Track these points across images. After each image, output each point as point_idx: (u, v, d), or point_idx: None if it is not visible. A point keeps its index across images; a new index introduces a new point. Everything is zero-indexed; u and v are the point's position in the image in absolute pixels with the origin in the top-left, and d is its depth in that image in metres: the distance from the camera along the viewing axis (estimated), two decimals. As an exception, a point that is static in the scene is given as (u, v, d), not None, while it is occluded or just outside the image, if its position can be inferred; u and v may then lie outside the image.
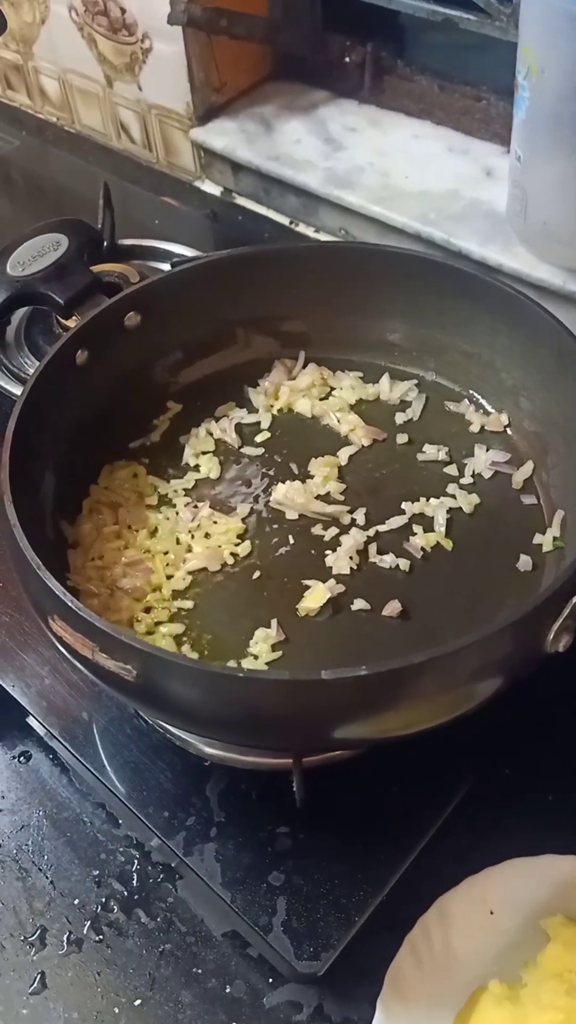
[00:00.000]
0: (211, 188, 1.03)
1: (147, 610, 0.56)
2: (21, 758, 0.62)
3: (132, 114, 1.06)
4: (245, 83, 1.01)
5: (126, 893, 0.56)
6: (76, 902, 0.56)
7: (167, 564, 0.57)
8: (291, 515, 0.60)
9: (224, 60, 0.97)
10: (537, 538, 0.58)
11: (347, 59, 0.97)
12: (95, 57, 1.04)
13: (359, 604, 0.56)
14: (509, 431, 0.63)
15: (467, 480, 0.61)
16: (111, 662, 0.43)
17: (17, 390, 0.78)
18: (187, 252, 0.87)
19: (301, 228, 0.96)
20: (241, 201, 1.00)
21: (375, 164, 0.92)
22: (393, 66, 0.96)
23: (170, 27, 0.91)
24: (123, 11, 0.97)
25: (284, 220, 0.97)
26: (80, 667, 0.48)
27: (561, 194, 0.73)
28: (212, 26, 0.92)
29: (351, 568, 0.57)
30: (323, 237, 0.94)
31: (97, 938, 0.55)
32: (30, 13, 1.08)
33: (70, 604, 0.44)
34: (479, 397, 0.66)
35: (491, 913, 0.53)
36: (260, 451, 0.64)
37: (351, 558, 0.57)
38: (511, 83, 0.78)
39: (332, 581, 0.56)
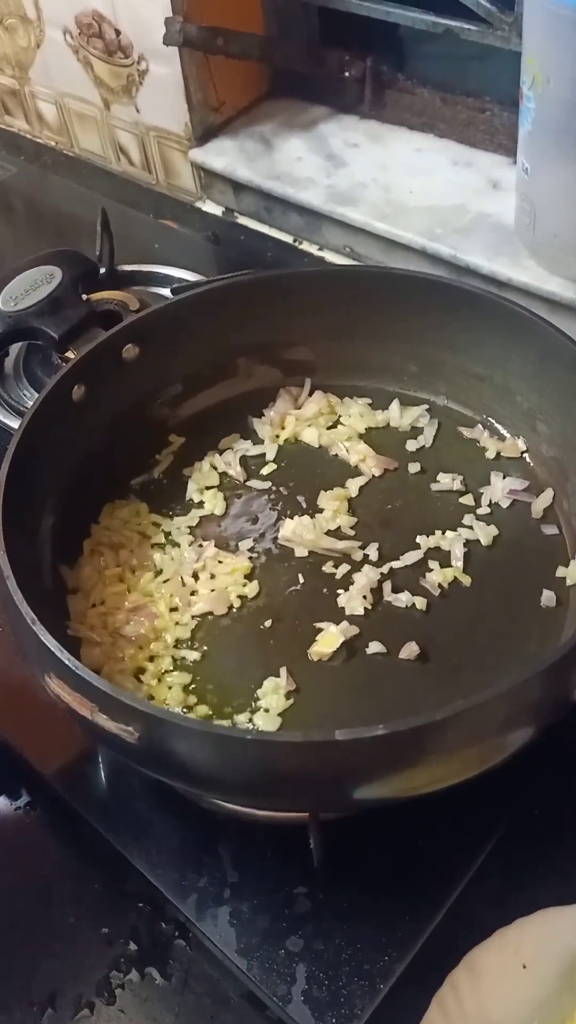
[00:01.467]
0: (212, 208, 1.01)
1: (151, 658, 0.53)
2: (25, 808, 0.60)
3: (130, 136, 1.05)
4: (243, 101, 0.99)
5: (138, 951, 0.54)
6: (86, 962, 0.54)
7: (172, 609, 0.55)
8: (300, 552, 0.58)
9: (221, 79, 0.96)
10: (560, 571, 0.55)
11: (346, 74, 0.95)
12: (91, 80, 1.03)
13: (375, 647, 0.53)
14: (526, 457, 0.61)
15: (484, 510, 0.59)
16: (111, 723, 0.41)
17: (16, 424, 0.76)
18: (188, 276, 0.85)
19: (305, 246, 0.94)
20: (243, 220, 0.98)
21: (378, 179, 0.90)
22: (393, 79, 0.94)
23: (166, 48, 0.90)
24: (118, 33, 0.96)
25: (287, 238, 0.95)
26: (80, 725, 0.46)
27: (570, 205, 0.71)
28: (208, 46, 0.90)
29: (365, 608, 0.54)
30: (327, 255, 0.92)
31: (109, 1000, 0.52)
32: (25, 38, 1.07)
33: (67, 663, 0.42)
34: (494, 422, 0.63)
35: (524, 967, 0.49)
36: (267, 484, 0.62)
37: (364, 597, 0.54)
38: (514, 93, 0.76)
39: (345, 623, 0.53)
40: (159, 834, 0.53)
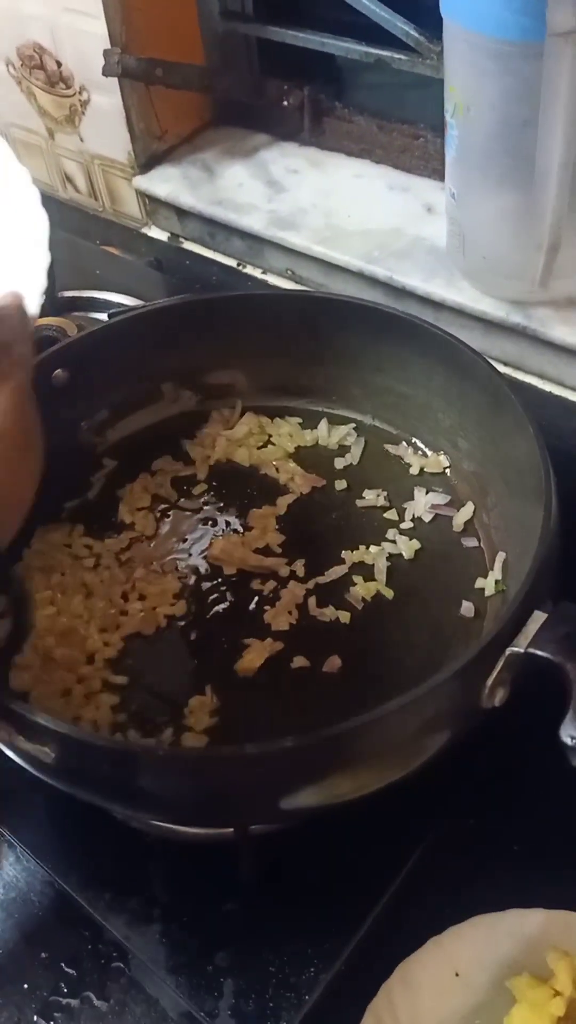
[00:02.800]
0: (158, 234, 1.02)
1: (80, 680, 0.54)
2: (-37, 836, 0.60)
3: (76, 165, 1.06)
4: (186, 130, 1.01)
5: (76, 975, 0.54)
6: (25, 987, 0.54)
7: (102, 630, 0.55)
8: (229, 569, 0.59)
9: (164, 108, 0.97)
10: (479, 582, 0.56)
11: (286, 102, 0.97)
12: (35, 110, 1.04)
13: (299, 661, 0.54)
14: (448, 472, 0.62)
15: (407, 525, 0.60)
16: (28, 745, 0.41)
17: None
18: (128, 301, 0.86)
19: (248, 270, 0.96)
20: (188, 246, 1.00)
21: (318, 205, 0.91)
22: (332, 107, 0.96)
23: (106, 79, 0.91)
24: (59, 64, 0.97)
25: (231, 262, 0.97)
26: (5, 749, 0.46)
27: (496, 229, 0.73)
28: (147, 77, 0.92)
29: (290, 623, 0.55)
30: (270, 278, 0.93)
31: (48, 1024, 0.52)
32: (-31, 70, 1.08)
33: (-17, 685, 0.42)
34: (416, 440, 0.64)
35: (456, 975, 0.50)
36: (198, 504, 0.63)
37: (290, 613, 0.55)
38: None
39: (270, 639, 0.54)
40: (90, 856, 0.53)
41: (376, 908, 0.50)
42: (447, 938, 0.50)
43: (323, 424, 0.66)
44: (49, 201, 1.10)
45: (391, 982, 0.49)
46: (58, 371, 0.61)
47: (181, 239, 1.01)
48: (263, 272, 0.94)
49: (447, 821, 0.53)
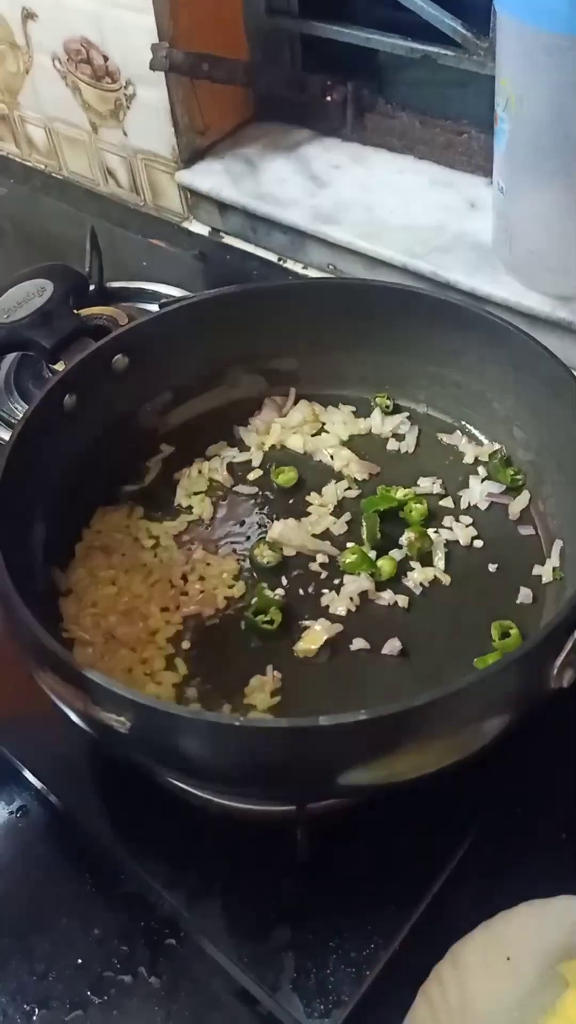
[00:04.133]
0: (199, 228, 1.03)
1: (143, 660, 0.55)
2: (18, 813, 0.61)
3: (118, 159, 1.07)
4: (228, 125, 1.02)
5: (129, 952, 0.54)
6: (79, 962, 0.54)
7: (163, 609, 0.56)
8: (288, 552, 0.59)
9: (207, 103, 0.99)
10: (536, 569, 0.57)
11: (328, 98, 0.98)
12: (80, 104, 1.05)
13: (358, 643, 0.54)
14: (503, 461, 0.62)
15: (463, 512, 0.60)
16: (104, 715, 0.42)
17: (7, 436, 0.77)
18: (175, 293, 0.87)
19: (289, 264, 0.96)
20: (229, 240, 1.01)
21: (360, 200, 0.92)
22: (374, 103, 0.97)
23: (152, 73, 0.92)
24: (106, 59, 0.98)
25: (272, 257, 0.98)
26: (73, 719, 0.47)
27: (545, 223, 0.74)
28: (193, 71, 0.93)
29: (348, 609, 0.56)
30: (311, 273, 0.94)
31: (101, 1000, 0.53)
32: (14, 63, 1.09)
33: (60, 656, 0.43)
34: (471, 428, 0.65)
35: (508, 959, 0.51)
36: (253, 489, 0.64)
37: (351, 599, 0.56)
38: (491, 116, 0.79)
39: (327, 621, 0.55)
40: (150, 831, 0.54)
41: (433, 888, 0.50)
42: (497, 922, 0.51)
43: (376, 413, 0.66)
44: (90, 195, 1.12)
45: (442, 965, 0.50)
46: (118, 356, 0.61)
47: (222, 234, 1.02)
48: (304, 267, 0.95)
49: (497, 809, 0.54)
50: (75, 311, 0.61)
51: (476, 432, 0.65)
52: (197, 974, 0.53)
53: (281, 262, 0.97)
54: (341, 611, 0.56)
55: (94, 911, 0.56)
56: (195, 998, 0.52)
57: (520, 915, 0.51)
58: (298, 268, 0.95)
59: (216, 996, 0.52)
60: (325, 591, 0.57)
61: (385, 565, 0.56)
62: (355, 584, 0.56)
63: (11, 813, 0.61)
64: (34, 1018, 0.52)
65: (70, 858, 0.58)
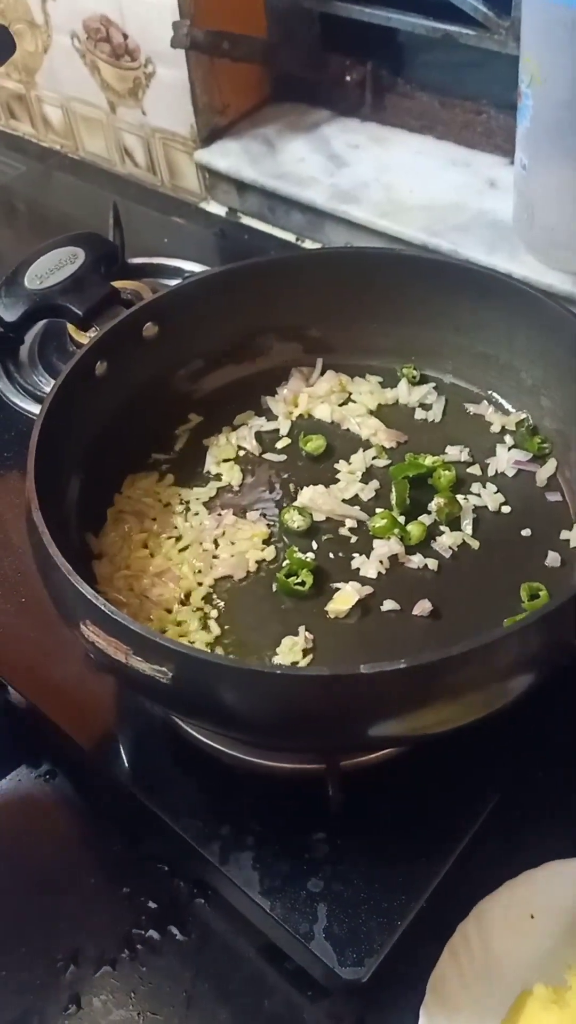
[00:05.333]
0: (216, 209, 1.04)
1: (177, 621, 0.56)
2: (46, 776, 0.62)
3: (136, 138, 1.08)
4: (247, 105, 1.03)
5: (158, 909, 0.55)
6: (108, 920, 0.55)
7: (196, 571, 0.57)
8: (317, 517, 0.60)
9: (226, 82, 0.99)
10: (564, 534, 0.57)
11: (347, 78, 0.99)
12: (98, 84, 1.06)
13: (389, 605, 0.55)
14: (529, 430, 0.63)
15: (490, 480, 0.61)
16: (145, 665, 0.43)
17: (32, 408, 0.78)
18: (196, 268, 0.88)
19: (307, 244, 0.97)
20: (246, 220, 1.01)
21: (379, 179, 0.93)
22: (393, 83, 0.98)
23: (172, 51, 0.93)
24: (125, 37, 0.99)
25: (290, 237, 0.98)
26: (111, 673, 0.48)
27: (567, 201, 0.74)
28: (214, 49, 0.93)
29: (379, 572, 0.56)
30: (330, 252, 0.95)
31: (131, 956, 0.54)
32: (32, 43, 1.09)
33: (103, 608, 0.44)
34: (499, 397, 0.66)
35: (531, 917, 0.52)
36: (282, 457, 0.64)
37: (381, 562, 0.56)
38: (510, 96, 0.79)
39: (358, 584, 0.56)
40: (182, 788, 0.55)
41: (460, 844, 0.51)
42: (522, 881, 0.52)
43: (403, 383, 0.67)
44: (106, 175, 1.12)
45: (468, 922, 0.51)
46: (148, 324, 0.62)
47: (239, 213, 1.02)
48: (322, 246, 0.96)
49: (521, 770, 0.55)
50: (106, 279, 0.62)
51: (503, 401, 0.65)
52: (225, 932, 0.54)
53: (299, 242, 0.97)
54: (371, 574, 0.56)
55: (123, 870, 0.57)
56: (223, 954, 0.54)
57: (544, 874, 0.52)
58: (316, 248, 0.96)
59: (243, 953, 0.53)
60: (355, 555, 0.58)
61: (415, 529, 0.57)
62: (385, 548, 0.57)
63: (38, 776, 0.62)
64: (65, 975, 0.53)
65: (97, 821, 0.59)
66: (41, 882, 0.57)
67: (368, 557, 0.57)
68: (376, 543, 0.58)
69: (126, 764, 0.57)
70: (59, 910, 0.56)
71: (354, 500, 0.61)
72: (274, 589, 0.57)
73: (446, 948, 0.50)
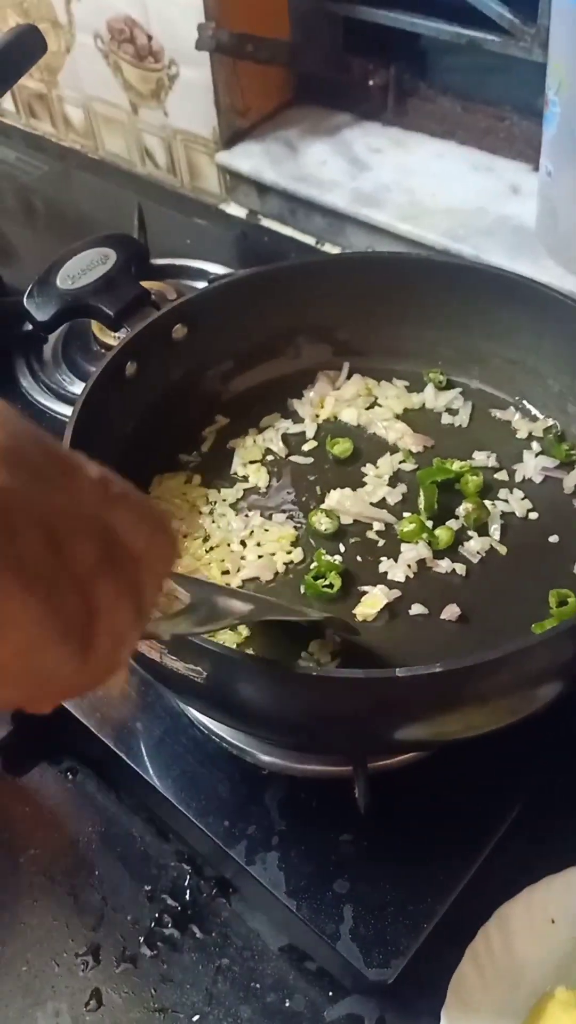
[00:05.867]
0: (236, 211, 1.04)
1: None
2: (68, 773, 0.62)
3: (157, 140, 1.08)
4: (269, 107, 1.03)
5: (179, 908, 0.56)
6: (129, 918, 0.56)
7: (223, 572, 0.57)
8: (344, 520, 0.60)
9: (248, 85, 0.99)
10: (592, 542, 0.58)
11: (370, 82, 0.99)
12: (120, 84, 1.06)
13: (417, 609, 0.55)
14: (557, 437, 0.63)
15: (518, 485, 0.61)
16: (180, 664, 0.43)
17: (56, 407, 0.78)
18: (220, 270, 0.88)
19: (327, 247, 0.97)
20: (266, 223, 1.02)
21: (401, 183, 0.93)
22: (415, 88, 0.98)
23: (196, 53, 0.93)
24: (149, 38, 0.99)
25: (310, 240, 0.98)
26: (144, 673, 0.48)
27: (593, 207, 0.75)
28: (238, 51, 0.94)
29: (407, 576, 0.57)
30: (350, 256, 0.95)
31: (152, 954, 0.54)
32: (55, 42, 1.10)
33: (139, 607, 0.44)
34: (526, 403, 0.66)
35: (552, 921, 0.52)
36: (309, 460, 0.65)
37: (409, 566, 0.57)
38: (533, 102, 0.79)
39: (386, 587, 0.56)
40: (207, 788, 0.55)
41: (484, 849, 0.52)
42: (542, 886, 0.52)
43: (430, 388, 0.67)
44: (126, 176, 1.13)
45: (489, 925, 0.51)
46: (178, 326, 0.63)
47: (260, 216, 1.03)
48: (343, 250, 0.96)
49: (545, 777, 0.55)
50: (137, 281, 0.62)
51: (530, 408, 0.66)
52: (247, 932, 0.54)
53: (319, 245, 0.98)
54: (399, 578, 0.57)
55: (144, 869, 0.57)
56: (245, 953, 0.54)
57: (564, 879, 0.52)
58: (336, 251, 0.96)
59: (265, 951, 0.54)
60: (383, 558, 0.58)
61: (443, 534, 0.57)
62: (413, 552, 0.57)
63: (60, 773, 0.62)
64: (87, 970, 0.54)
65: (118, 819, 0.59)
66: (62, 878, 0.57)
67: (396, 561, 0.57)
68: (404, 547, 0.58)
69: (147, 762, 0.57)
70: (81, 907, 0.56)
71: (381, 504, 0.61)
72: (302, 591, 0.57)
73: (467, 951, 0.50)
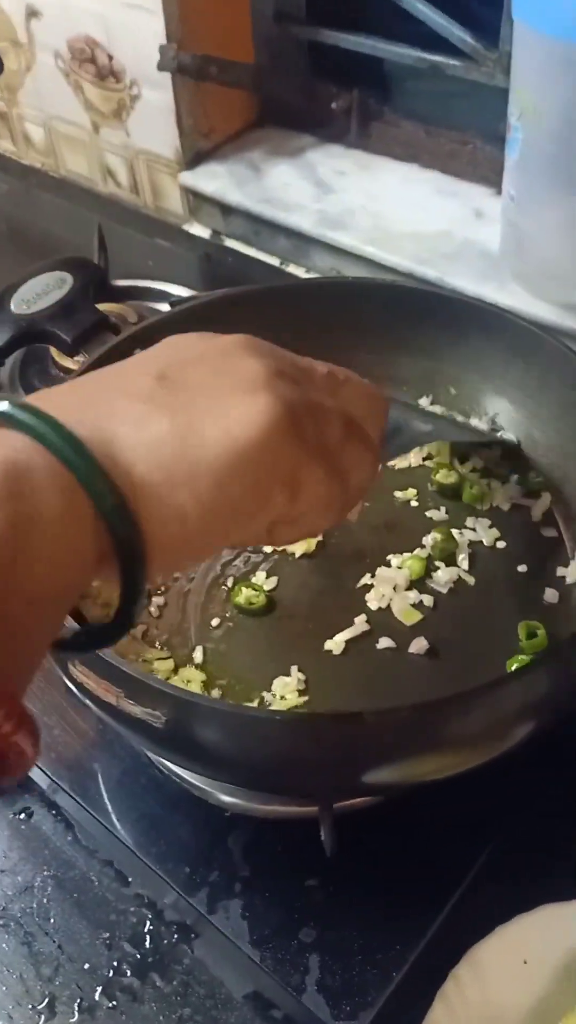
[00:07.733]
0: (200, 231, 1.03)
1: (169, 657, 0.54)
2: (22, 815, 0.59)
3: (119, 159, 1.07)
4: (232, 128, 1.02)
5: (139, 956, 0.53)
6: (86, 967, 0.53)
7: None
8: (306, 547, 0.59)
9: (211, 106, 0.99)
10: (560, 571, 0.57)
11: (334, 105, 0.99)
12: (81, 104, 1.05)
13: (385, 642, 0.54)
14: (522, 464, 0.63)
15: (484, 514, 0.61)
16: (138, 708, 0.41)
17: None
18: (182, 292, 0.87)
19: (291, 269, 0.96)
20: (231, 243, 1.01)
21: (366, 206, 0.93)
22: (380, 112, 0.98)
23: (158, 74, 0.92)
24: (111, 58, 0.98)
25: (274, 261, 0.98)
26: (101, 715, 0.46)
27: (557, 233, 0.74)
28: (201, 73, 0.93)
29: (378, 606, 0.55)
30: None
31: (110, 1004, 0.52)
32: (15, 61, 1.08)
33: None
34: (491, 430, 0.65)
35: (525, 962, 0.50)
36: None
37: (382, 595, 0.55)
38: (496, 127, 0.79)
39: (355, 619, 0.55)
40: (167, 832, 0.53)
41: (456, 892, 0.50)
42: (514, 926, 0.51)
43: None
44: (88, 195, 1.11)
45: (460, 968, 0.49)
46: (137, 351, 0.61)
47: (223, 237, 1.02)
48: (307, 271, 0.95)
49: (517, 815, 0.54)
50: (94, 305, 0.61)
51: (497, 435, 0.65)
52: (210, 979, 0.52)
53: (283, 266, 0.97)
54: (372, 608, 0.55)
55: (103, 915, 0.55)
56: (207, 1003, 0.52)
57: (537, 918, 0.51)
58: (300, 272, 0.96)
59: (229, 1000, 0.52)
60: (353, 590, 0.57)
61: (414, 564, 0.56)
62: (383, 583, 0.56)
63: (14, 815, 0.59)
64: (41, 1022, 0.51)
65: (75, 862, 0.57)
66: (16, 925, 0.55)
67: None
68: (380, 570, 0.57)
69: (106, 804, 0.55)
70: (36, 955, 0.54)
71: (348, 534, 0.60)
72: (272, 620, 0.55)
73: (438, 996, 0.49)
